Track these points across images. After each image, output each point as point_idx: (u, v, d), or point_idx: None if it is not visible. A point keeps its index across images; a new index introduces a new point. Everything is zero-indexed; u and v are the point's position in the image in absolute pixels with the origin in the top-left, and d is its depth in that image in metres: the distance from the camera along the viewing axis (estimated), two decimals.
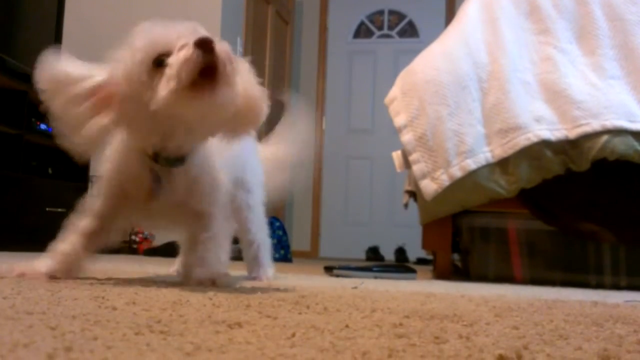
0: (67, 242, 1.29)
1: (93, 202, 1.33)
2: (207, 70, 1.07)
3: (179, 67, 1.05)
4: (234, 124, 1.23)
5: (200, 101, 1.08)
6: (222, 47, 1.08)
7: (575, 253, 2.28)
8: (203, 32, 1.09)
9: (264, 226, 1.77)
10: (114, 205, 1.32)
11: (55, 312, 0.75)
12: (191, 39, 1.06)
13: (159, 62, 1.09)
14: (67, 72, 1.17)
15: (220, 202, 1.41)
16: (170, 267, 1.86)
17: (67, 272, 1.29)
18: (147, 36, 1.12)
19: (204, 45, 1.05)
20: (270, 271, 1.78)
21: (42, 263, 1.27)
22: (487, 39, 2.40)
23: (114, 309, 0.81)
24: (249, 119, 1.23)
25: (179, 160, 1.26)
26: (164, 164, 1.25)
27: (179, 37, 1.08)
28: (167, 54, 1.08)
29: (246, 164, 1.67)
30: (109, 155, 1.31)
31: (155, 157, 1.24)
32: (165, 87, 1.06)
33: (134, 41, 1.13)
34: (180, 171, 1.27)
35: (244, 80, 1.19)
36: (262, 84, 1.27)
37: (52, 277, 1.25)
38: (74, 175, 3.77)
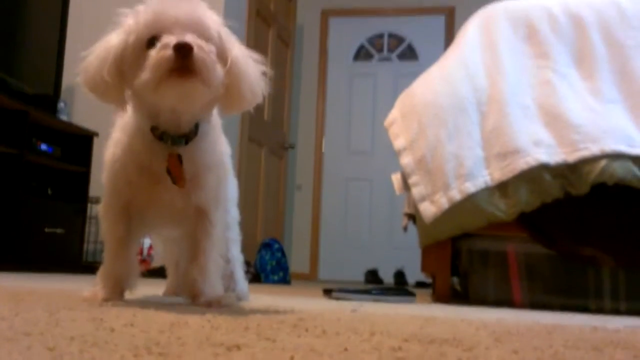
0: (112, 261, 1.35)
1: (107, 199, 1.36)
2: (184, 65, 1.13)
3: (154, 63, 1.13)
4: (226, 103, 1.29)
5: (171, 90, 1.15)
6: (200, 54, 1.14)
7: (574, 277, 2.27)
8: (192, 21, 1.18)
9: (238, 244, 1.79)
10: (125, 195, 1.33)
11: (54, 333, 0.74)
12: (175, 38, 1.13)
13: (151, 43, 1.16)
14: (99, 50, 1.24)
15: (224, 202, 1.43)
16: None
17: (121, 295, 1.36)
18: (146, 15, 1.19)
19: (182, 51, 1.12)
20: (245, 286, 1.80)
21: (99, 288, 1.33)
22: (486, 62, 2.42)
23: (112, 330, 0.80)
24: (241, 99, 1.28)
25: (182, 138, 1.28)
26: (167, 142, 1.27)
27: (173, 25, 1.16)
28: (159, 37, 1.15)
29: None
30: (115, 139, 1.34)
31: (160, 136, 1.27)
32: (141, 76, 1.15)
33: (137, 15, 1.21)
34: (185, 153, 1.29)
35: (238, 62, 1.25)
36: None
37: (106, 300, 1.29)
38: (73, 196, 3.77)
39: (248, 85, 1.27)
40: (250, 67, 1.29)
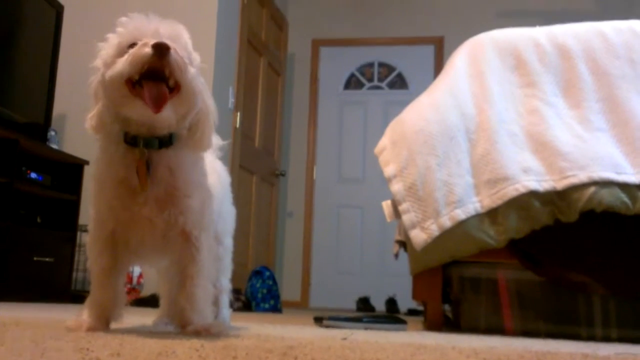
0: (98, 291, 1.34)
1: (92, 230, 1.36)
2: (157, 76, 1.18)
3: (132, 58, 1.17)
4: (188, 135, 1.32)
5: (136, 104, 1.20)
6: (175, 56, 1.19)
7: (565, 304, 2.27)
8: (171, 34, 1.24)
9: (228, 274, 1.78)
10: (110, 223, 1.33)
11: None
12: (155, 40, 1.19)
13: (131, 47, 1.21)
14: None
15: (209, 225, 1.42)
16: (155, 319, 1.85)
17: (106, 324, 1.35)
18: (128, 25, 1.25)
19: (159, 49, 1.17)
20: (227, 315, 1.79)
21: (85, 317, 1.33)
22: (474, 91, 2.44)
23: None
24: (202, 140, 1.32)
25: (155, 139, 1.28)
26: (140, 144, 1.28)
27: (154, 34, 1.21)
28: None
29: (219, 213, 1.65)
30: (95, 160, 1.35)
31: (133, 140, 1.28)
32: (115, 67, 1.19)
33: (121, 25, 1.26)
34: (160, 159, 1.29)
35: (209, 106, 1.32)
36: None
37: (91, 329, 1.28)
38: (62, 225, 3.75)
39: (209, 131, 1.32)
40: (215, 116, 1.34)
